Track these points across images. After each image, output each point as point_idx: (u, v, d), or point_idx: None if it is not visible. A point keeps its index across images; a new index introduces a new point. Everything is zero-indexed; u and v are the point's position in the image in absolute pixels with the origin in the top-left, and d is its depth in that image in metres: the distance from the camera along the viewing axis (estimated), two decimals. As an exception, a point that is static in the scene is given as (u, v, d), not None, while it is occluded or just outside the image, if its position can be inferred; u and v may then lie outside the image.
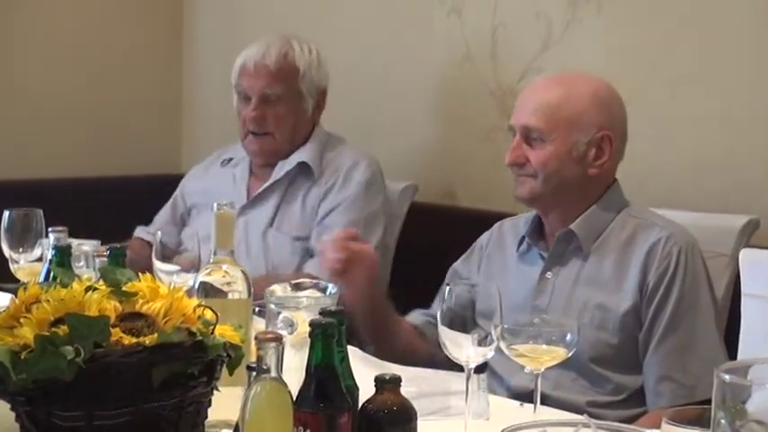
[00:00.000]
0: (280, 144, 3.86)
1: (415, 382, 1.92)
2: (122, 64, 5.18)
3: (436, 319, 2.94)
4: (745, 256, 2.92)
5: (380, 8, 4.30)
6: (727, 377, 1.15)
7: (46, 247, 2.81)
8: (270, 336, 1.89)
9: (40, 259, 2.83)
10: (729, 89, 3.33)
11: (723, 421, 1.16)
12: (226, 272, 2.40)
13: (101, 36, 5.15)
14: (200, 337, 1.96)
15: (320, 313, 1.94)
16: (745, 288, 2.88)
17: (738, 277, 2.93)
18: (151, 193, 4.55)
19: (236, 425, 1.88)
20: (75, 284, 2.05)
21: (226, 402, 2.05)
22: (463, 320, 2.14)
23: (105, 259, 2.38)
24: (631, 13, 3.54)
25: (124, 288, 2.02)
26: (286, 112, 3.84)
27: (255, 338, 1.92)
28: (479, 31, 4.02)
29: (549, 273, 2.97)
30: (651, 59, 3.50)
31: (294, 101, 3.85)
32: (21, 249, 2.91)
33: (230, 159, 4.09)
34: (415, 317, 3.20)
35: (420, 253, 3.47)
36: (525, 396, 2.46)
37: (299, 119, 3.88)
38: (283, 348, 1.90)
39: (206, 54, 5.33)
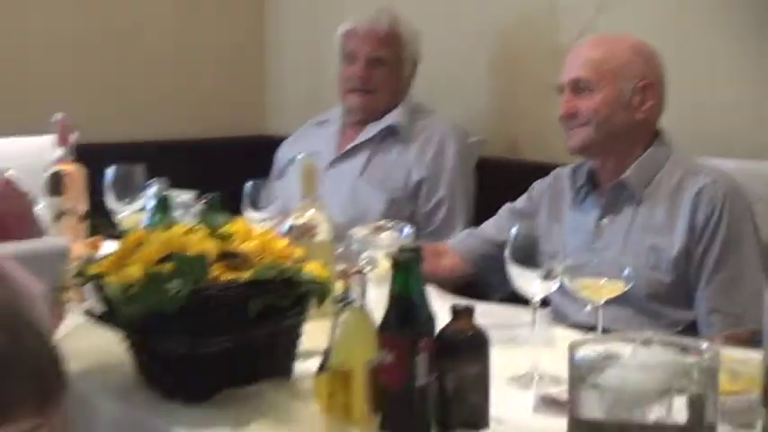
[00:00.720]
0: (379, 103, 3.94)
1: (483, 314, 1.98)
2: (213, 37, 5.21)
3: (484, 237, 3.27)
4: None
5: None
6: None
7: (147, 198, 2.93)
8: (355, 270, 2.01)
9: (142, 210, 2.90)
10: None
11: None
12: (311, 217, 2.52)
13: (195, 14, 5.20)
14: (291, 274, 2.05)
15: (400, 250, 2.00)
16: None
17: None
18: (238, 152, 4.75)
19: (326, 351, 1.94)
20: (176, 227, 2.15)
21: (315, 332, 2.12)
22: (530, 258, 2.20)
23: (202, 208, 2.49)
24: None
25: (221, 230, 2.11)
26: (389, 75, 3.92)
27: (342, 272, 2.02)
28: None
29: (604, 220, 3.03)
30: (695, 27, 3.54)
31: (396, 66, 3.93)
32: (124, 201, 2.97)
33: (325, 121, 4.18)
34: (460, 241, 3.39)
35: (487, 203, 3.51)
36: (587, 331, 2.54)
37: (398, 83, 3.96)
38: (366, 281, 2.01)
39: (286, 26, 5.34)
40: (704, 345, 1.19)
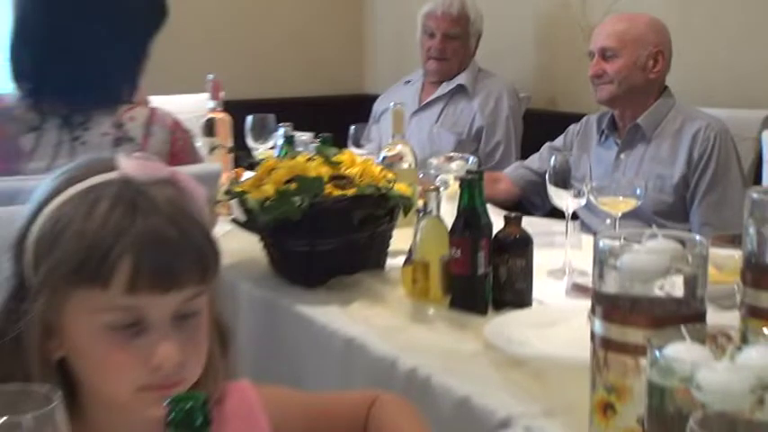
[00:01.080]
0: (451, 68, 3.95)
1: (528, 225, 1.99)
2: (323, 14, 5.18)
3: (530, 168, 3.29)
4: (765, 135, 2.97)
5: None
6: (755, 195, 1.14)
7: (277, 138, 2.98)
8: (432, 187, 2.04)
9: (272, 148, 2.95)
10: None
11: (751, 229, 1.14)
12: (400, 150, 2.57)
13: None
14: (384, 191, 2.09)
15: (466, 173, 2.04)
16: (765, 156, 2.93)
17: (761, 157, 2.98)
18: (343, 105, 4.72)
19: (410, 249, 2.00)
20: (299, 158, 2.18)
21: (402, 236, 2.15)
22: (564, 182, 2.21)
23: (317, 144, 2.52)
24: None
25: (333, 159, 2.14)
26: (459, 47, 3.94)
27: (423, 190, 2.06)
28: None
29: (622, 155, 3.05)
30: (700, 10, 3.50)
31: (464, 40, 3.95)
32: (260, 141, 3.02)
33: (409, 81, 4.21)
34: (512, 170, 3.41)
35: (532, 144, 3.52)
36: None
37: (465, 53, 3.96)
38: (440, 197, 2.05)
39: (381, 5, 5.28)
40: (698, 238, 1.20)
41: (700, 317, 1.11)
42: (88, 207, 1.10)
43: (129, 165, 1.14)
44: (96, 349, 1.10)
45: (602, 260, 1.15)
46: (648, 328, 1.08)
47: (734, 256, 1.85)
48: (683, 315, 1.08)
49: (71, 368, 1.13)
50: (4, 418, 0.77)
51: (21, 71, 2.16)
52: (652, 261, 1.13)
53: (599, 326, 1.15)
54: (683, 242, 1.16)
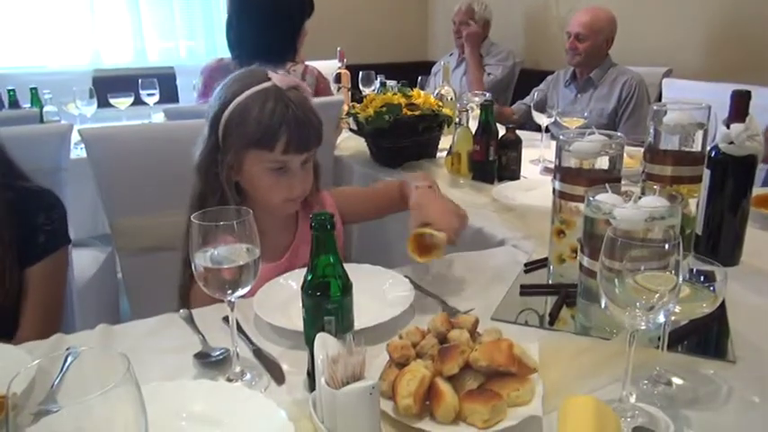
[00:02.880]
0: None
1: (520, 133, 1.95)
2: None
3: (524, 103, 3.05)
4: (665, 83, 2.81)
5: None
6: (655, 107, 1.09)
7: (376, 84, 2.93)
8: (463, 109, 1.99)
9: (373, 90, 2.84)
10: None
11: (651, 128, 1.10)
12: (446, 89, 2.48)
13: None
14: (437, 111, 2.02)
15: (483, 102, 1.98)
16: (663, 94, 2.77)
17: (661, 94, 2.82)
18: (413, 67, 4.43)
19: (450, 146, 1.95)
20: (387, 94, 2.14)
21: (445, 139, 2.10)
22: (542, 107, 2.15)
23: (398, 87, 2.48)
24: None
25: (407, 94, 2.09)
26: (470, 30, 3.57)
27: (459, 111, 2.02)
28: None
29: (579, 95, 2.90)
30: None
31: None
32: (366, 86, 2.92)
33: (452, 53, 3.78)
34: (516, 106, 3.18)
35: (526, 90, 3.34)
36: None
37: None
38: (469, 115, 2.00)
39: None
40: (618, 134, 1.15)
41: (617, 180, 1.08)
42: (261, 103, 1.15)
43: (276, 78, 1.18)
44: (263, 180, 1.19)
45: (560, 146, 1.12)
46: (586, 185, 1.05)
47: (639, 150, 1.80)
48: (607, 179, 1.05)
49: (244, 188, 1.23)
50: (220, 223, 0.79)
51: (231, 43, 2.16)
52: (590, 146, 1.09)
53: (558, 185, 1.12)
54: (609, 137, 1.12)
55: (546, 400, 0.75)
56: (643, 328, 0.72)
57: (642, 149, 1.57)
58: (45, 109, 2.61)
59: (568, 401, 0.72)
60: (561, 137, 1.12)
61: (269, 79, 1.17)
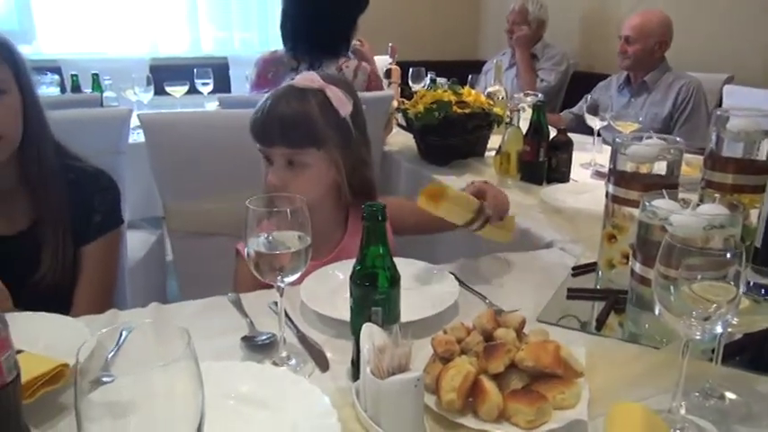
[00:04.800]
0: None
1: (572, 136, 1.92)
2: None
3: (574, 113, 2.97)
4: (726, 90, 2.74)
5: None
6: (718, 112, 1.06)
7: (425, 81, 2.92)
8: (515, 109, 1.97)
9: (423, 86, 2.85)
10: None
11: (713, 134, 1.06)
12: (497, 88, 2.46)
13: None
14: (487, 110, 2.02)
15: (535, 102, 1.96)
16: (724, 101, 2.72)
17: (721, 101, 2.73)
18: (464, 65, 4.38)
19: (500, 146, 1.91)
20: (438, 91, 2.13)
21: (494, 138, 2.06)
22: (595, 110, 2.11)
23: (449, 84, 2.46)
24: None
25: (457, 92, 2.09)
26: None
27: (510, 110, 1.99)
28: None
29: (632, 99, 2.82)
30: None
31: (527, 25, 3.49)
32: (416, 83, 2.92)
33: (504, 53, 3.71)
34: (564, 114, 3.11)
35: (579, 93, 3.30)
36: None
37: (530, 34, 3.51)
38: (520, 115, 1.98)
39: None
40: (677, 139, 1.12)
41: (674, 186, 1.05)
42: (265, 99, 1.19)
43: (298, 78, 1.19)
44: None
45: (616, 149, 1.10)
46: (642, 190, 1.03)
47: (694, 157, 1.76)
48: (664, 184, 1.02)
49: None
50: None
51: (286, 37, 2.18)
52: (648, 150, 1.07)
53: (611, 188, 1.10)
54: (667, 141, 1.10)
55: (591, 406, 0.74)
56: (698, 338, 0.70)
57: (697, 156, 1.52)
58: (105, 94, 2.71)
59: (617, 408, 0.71)
60: (617, 139, 1.10)
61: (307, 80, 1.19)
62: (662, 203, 0.93)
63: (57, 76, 2.88)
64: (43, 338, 0.86)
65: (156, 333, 0.54)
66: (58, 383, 0.74)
